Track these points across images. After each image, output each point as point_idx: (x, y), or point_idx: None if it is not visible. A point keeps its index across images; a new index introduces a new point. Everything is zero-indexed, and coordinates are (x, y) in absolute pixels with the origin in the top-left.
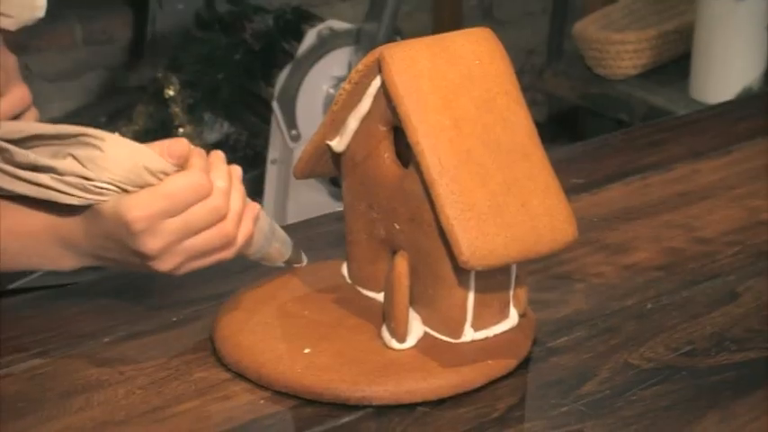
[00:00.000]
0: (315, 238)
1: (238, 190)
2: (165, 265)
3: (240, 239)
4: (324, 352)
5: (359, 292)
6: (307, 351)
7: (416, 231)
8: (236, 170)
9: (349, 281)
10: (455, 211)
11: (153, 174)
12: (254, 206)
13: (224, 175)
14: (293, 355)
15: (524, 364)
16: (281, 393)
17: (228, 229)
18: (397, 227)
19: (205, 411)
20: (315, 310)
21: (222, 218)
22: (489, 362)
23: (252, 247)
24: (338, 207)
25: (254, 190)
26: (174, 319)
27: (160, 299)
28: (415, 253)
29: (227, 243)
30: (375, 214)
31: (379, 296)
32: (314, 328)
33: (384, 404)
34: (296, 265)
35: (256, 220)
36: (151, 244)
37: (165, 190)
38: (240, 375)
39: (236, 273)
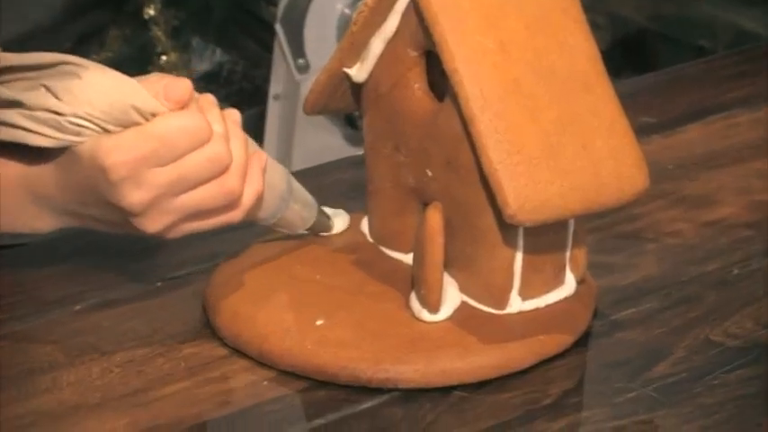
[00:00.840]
0: (327, 188)
1: (239, 137)
2: (152, 224)
3: (248, 197)
4: (340, 324)
5: (382, 252)
6: (319, 323)
7: (453, 178)
8: (234, 114)
9: (370, 239)
10: (500, 154)
11: (142, 115)
12: (261, 156)
13: (219, 120)
14: (303, 328)
15: (583, 341)
16: (287, 374)
17: (232, 183)
18: (430, 173)
19: (196, 394)
20: (329, 273)
21: (224, 170)
22: (540, 337)
23: (264, 210)
24: (354, 152)
25: (253, 132)
26: (159, 283)
27: (142, 260)
28: (452, 205)
29: (232, 201)
30: (402, 158)
31: (408, 257)
32: (328, 295)
33: (413, 387)
34: (323, 234)
35: (265, 172)
36: (135, 196)
37: (155, 131)
38: (239, 352)
39: (235, 229)
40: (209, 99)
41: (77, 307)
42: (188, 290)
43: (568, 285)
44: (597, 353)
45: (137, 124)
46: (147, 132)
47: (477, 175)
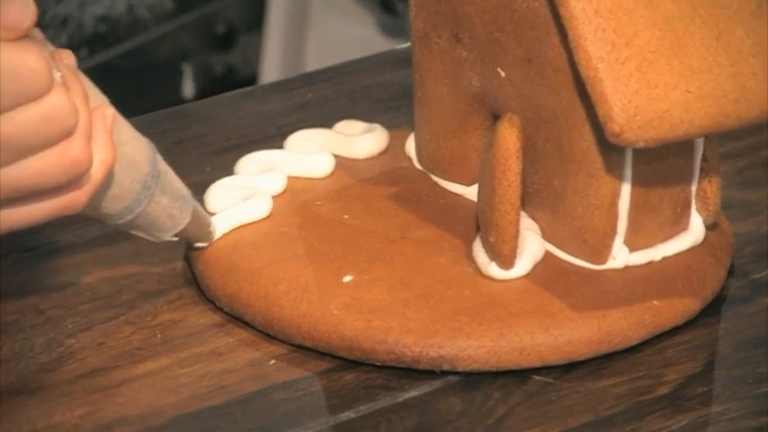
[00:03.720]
0: (356, 95)
1: (77, 88)
2: None
3: (96, 170)
4: (376, 282)
5: (435, 183)
6: (347, 279)
7: (535, 81)
8: (67, 56)
9: (418, 165)
10: (602, 47)
11: None
12: (104, 112)
13: (54, 63)
14: (326, 287)
15: (712, 309)
16: (303, 349)
17: (77, 151)
18: (503, 73)
19: (177, 377)
20: (362, 212)
21: (66, 134)
22: (654, 302)
23: (117, 200)
24: (393, 45)
25: (248, 17)
26: None
27: None
28: (533, 118)
29: (75, 176)
30: (465, 52)
31: (471, 191)
32: (359, 242)
33: (476, 370)
34: (198, 245)
35: (112, 134)
36: None
37: None
38: (236, 319)
39: (228, 150)
40: (35, 33)
41: (12, 255)
42: None
43: (694, 231)
44: (733, 325)
45: None
46: None
47: (569, 76)
